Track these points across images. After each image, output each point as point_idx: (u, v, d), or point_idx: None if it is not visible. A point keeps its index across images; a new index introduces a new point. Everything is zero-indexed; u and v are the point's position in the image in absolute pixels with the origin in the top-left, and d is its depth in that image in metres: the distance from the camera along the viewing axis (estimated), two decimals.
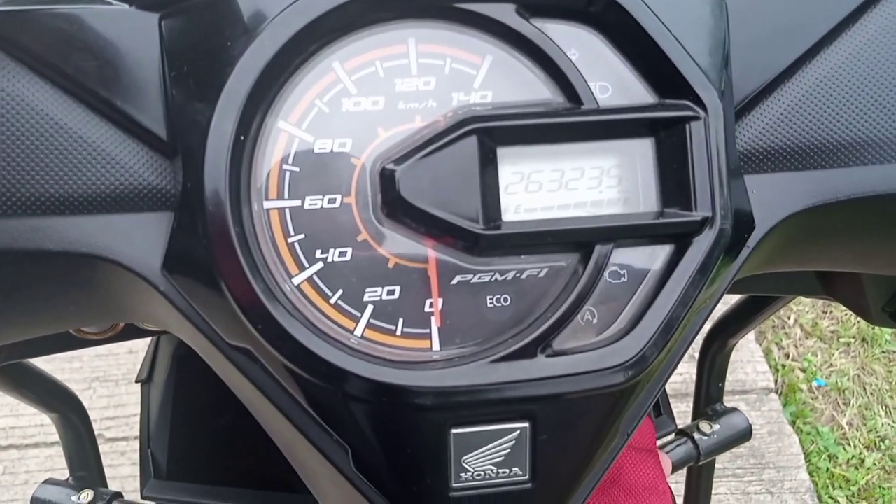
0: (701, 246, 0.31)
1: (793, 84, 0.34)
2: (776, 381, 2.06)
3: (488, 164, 0.30)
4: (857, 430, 2.02)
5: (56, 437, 1.93)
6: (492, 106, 0.31)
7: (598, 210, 0.31)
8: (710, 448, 0.80)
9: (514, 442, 0.31)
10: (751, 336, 2.12)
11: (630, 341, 0.30)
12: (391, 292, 0.31)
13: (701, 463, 0.79)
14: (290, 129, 0.31)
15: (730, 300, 0.79)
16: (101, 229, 0.30)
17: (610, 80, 0.32)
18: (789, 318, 2.20)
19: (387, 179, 0.30)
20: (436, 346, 0.31)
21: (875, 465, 1.95)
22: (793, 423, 1.97)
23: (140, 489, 0.70)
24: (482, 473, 0.31)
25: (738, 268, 0.33)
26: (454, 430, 0.30)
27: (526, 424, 0.31)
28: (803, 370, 2.11)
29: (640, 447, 0.52)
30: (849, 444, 1.99)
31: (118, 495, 0.72)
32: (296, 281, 0.30)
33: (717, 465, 1.94)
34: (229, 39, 0.29)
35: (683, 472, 0.94)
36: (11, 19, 0.29)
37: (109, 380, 1.96)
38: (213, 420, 0.73)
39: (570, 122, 0.31)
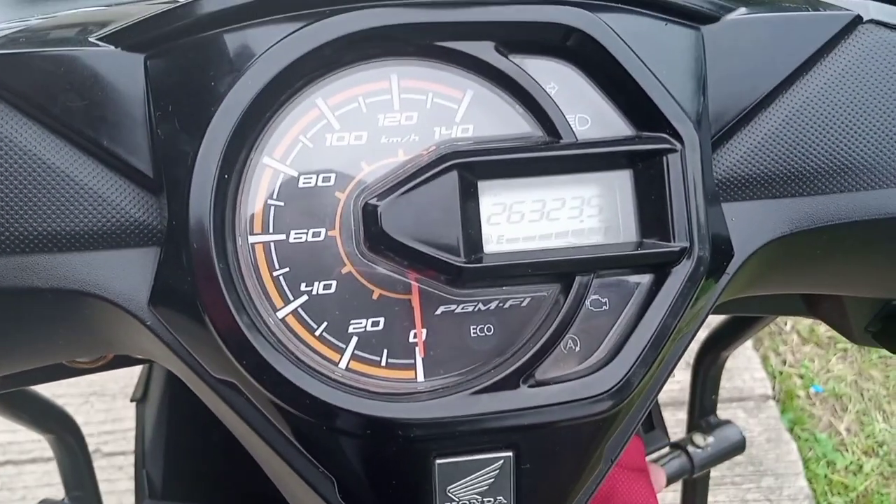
0: (679, 275, 0.31)
1: (769, 114, 0.34)
2: (774, 388, 2.06)
3: (469, 198, 0.31)
4: (855, 436, 2.02)
5: (52, 453, 1.92)
6: (473, 140, 0.32)
7: (580, 239, 0.32)
8: (704, 461, 0.80)
9: (498, 471, 0.31)
10: (748, 343, 2.13)
11: (612, 370, 0.31)
12: (375, 323, 0.31)
13: (695, 476, 0.80)
14: (275, 165, 0.31)
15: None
16: (89, 266, 0.30)
17: (588, 112, 0.33)
18: (786, 324, 2.21)
19: (369, 215, 0.30)
20: (420, 376, 0.31)
21: (873, 470, 1.95)
22: (791, 430, 1.98)
23: None
24: (467, 503, 0.31)
25: (719, 293, 0.33)
26: (438, 461, 0.31)
27: (510, 454, 0.31)
28: (801, 376, 2.12)
29: (631, 467, 0.53)
30: (847, 451, 1.99)
31: None
32: (280, 314, 0.31)
33: (715, 474, 1.95)
34: (214, 79, 0.30)
35: (679, 485, 0.94)
36: (1, 61, 0.29)
37: (106, 394, 1.96)
38: (207, 438, 0.73)
39: (549, 157, 0.31)
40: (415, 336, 0.31)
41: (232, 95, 0.29)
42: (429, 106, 0.32)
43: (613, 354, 0.31)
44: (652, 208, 0.32)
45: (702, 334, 0.89)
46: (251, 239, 0.31)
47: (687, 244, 0.31)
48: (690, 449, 0.82)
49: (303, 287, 0.31)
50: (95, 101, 0.30)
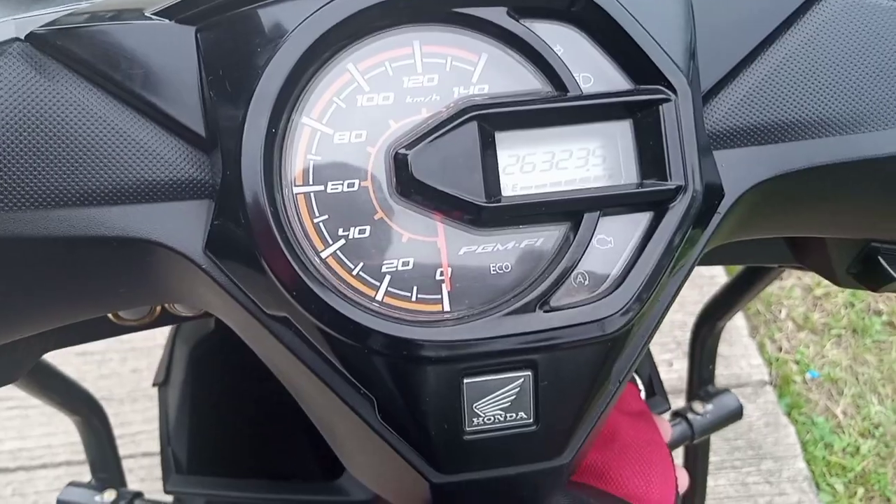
0: (677, 211, 0.35)
1: (752, 69, 0.38)
2: (770, 374, 2.10)
3: (488, 147, 0.35)
4: (852, 419, 2.06)
5: (63, 457, 1.95)
6: (489, 96, 0.36)
7: (586, 185, 0.36)
8: (704, 427, 0.83)
9: (518, 389, 0.35)
10: (744, 331, 2.17)
11: (619, 295, 0.34)
12: (406, 263, 0.35)
13: (696, 441, 0.83)
14: (313, 124, 0.35)
15: (717, 283, 0.83)
16: (148, 216, 0.34)
17: (591, 71, 0.36)
18: (781, 312, 2.25)
19: (400, 163, 0.34)
20: (447, 307, 0.35)
21: (870, 452, 1.99)
22: (788, 414, 2.01)
23: (163, 485, 0.73)
24: (492, 418, 0.35)
25: (712, 232, 0.37)
26: (466, 380, 0.34)
27: (529, 373, 0.35)
28: (797, 362, 2.16)
29: (631, 411, 0.56)
30: (844, 433, 2.03)
31: (139, 494, 0.75)
32: (323, 255, 0.34)
33: (715, 458, 1.98)
34: (259, 47, 0.33)
35: (680, 452, 0.97)
36: (67, 35, 0.33)
37: (114, 398, 1.99)
38: (231, 416, 0.77)
39: (558, 107, 0.35)
40: (441, 274, 0.35)
41: (275, 62, 0.33)
42: (448, 68, 0.36)
43: (619, 283, 0.35)
44: (650, 154, 0.36)
45: (697, 307, 0.93)
46: (295, 190, 0.34)
47: (682, 183, 0.35)
48: (690, 416, 0.85)
49: (340, 232, 0.35)
50: (152, 70, 0.34)
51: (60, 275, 0.35)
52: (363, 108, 0.35)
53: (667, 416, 0.83)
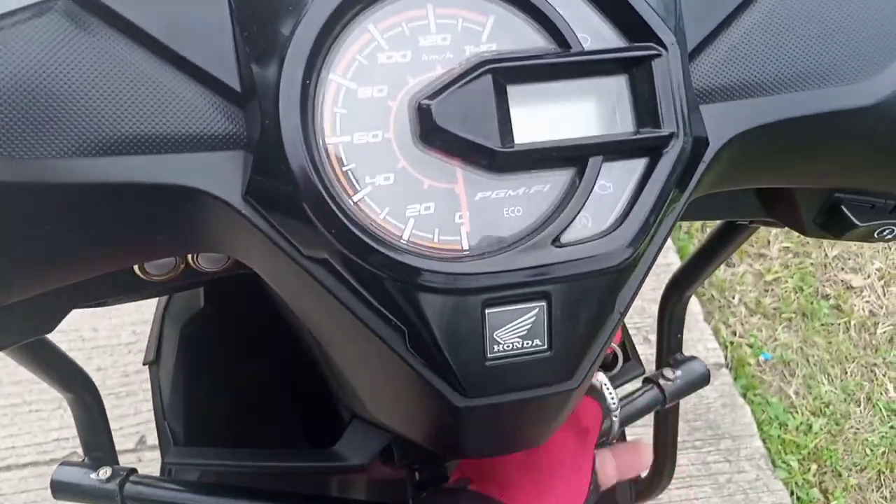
0: (670, 156, 0.39)
1: (732, 29, 0.42)
2: (726, 357, 2.18)
3: (501, 98, 0.38)
4: (804, 399, 2.15)
5: (29, 458, 1.91)
6: (499, 52, 0.39)
7: (589, 133, 0.39)
8: (675, 392, 0.88)
9: (534, 318, 0.38)
10: (700, 317, 2.24)
11: (621, 231, 0.38)
12: (427, 208, 0.38)
13: (667, 406, 0.88)
14: (339, 80, 0.38)
15: (672, 269, 0.87)
16: (189, 165, 0.36)
17: (588, 32, 0.40)
18: (734, 297, 2.33)
19: (424, 112, 0.37)
20: (465, 246, 0.38)
21: (822, 429, 2.08)
22: (744, 395, 2.09)
23: (161, 457, 0.74)
24: (510, 345, 0.38)
25: (699, 179, 0.41)
26: (488, 310, 0.38)
27: (543, 303, 0.38)
28: (750, 346, 2.24)
29: (580, 428, 0.60)
30: (797, 412, 2.11)
31: (133, 471, 0.77)
32: (353, 200, 0.37)
33: (677, 439, 2.03)
34: (290, 6, 0.36)
35: (651, 420, 1.02)
36: None
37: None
38: (225, 390, 0.78)
39: (564, 62, 0.39)
40: (460, 217, 0.38)
41: (306, 20, 0.36)
42: (459, 29, 0.39)
43: (622, 221, 0.39)
44: (645, 105, 0.39)
45: (655, 294, 0.97)
46: (325, 140, 0.37)
47: (674, 130, 0.39)
48: (661, 382, 0.89)
49: (367, 179, 0.38)
50: (190, 28, 0.36)
51: (104, 221, 0.37)
52: (383, 65, 0.38)
53: (640, 383, 0.87)
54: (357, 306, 0.38)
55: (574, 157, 0.39)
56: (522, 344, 0.38)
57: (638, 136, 0.39)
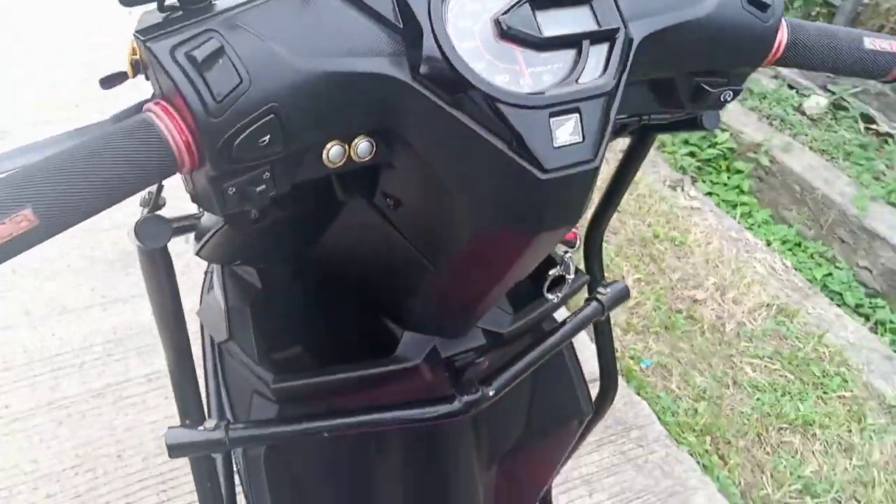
0: (620, 41, 0.72)
1: None
2: (617, 367, 2.53)
3: (535, 14, 0.70)
4: (685, 390, 2.53)
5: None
6: None
7: (583, 29, 0.72)
8: (609, 303, 1.19)
9: (574, 123, 0.67)
10: (588, 342, 2.60)
11: (607, 74, 0.70)
12: (504, 80, 0.69)
13: (604, 316, 1.18)
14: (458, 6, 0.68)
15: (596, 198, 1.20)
16: (382, 63, 0.65)
17: None
18: (613, 322, 2.72)
19: (502, 21, 0.68)
20: (534, 90, 0.69)
21: (705, 411, 2.45)
22: (638, 394, 2.44)
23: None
24: (564, 138, 0.67)
25: (632, 57, 0.75)
26: (552, 119, 0.67)
27: (577, 115, 0.68)
28: (632, 357, 2.61)
29: None
30: (682, 401, 2.48)
31: (230, 421, 0.96)
32: (476, 71, 0.68)
33: (594, 438, 2.33)
34: None
35: (591, 333, 1.32)
36: None
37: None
38: (304, 335, 0.99)
39: None
40: (524, 76, 0.69)
41: None
42: None
43: (605, 70, 0.71)
44: (605, 18, 0.73)
45: (584, 221, 1.30)
46: (453, 43, 0.67)
47: (620, 26, 0.72)
48: (598, 297, 1.20)
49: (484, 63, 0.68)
50: None
51: (341, 103, 0.65)
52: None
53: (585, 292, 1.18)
54: (481, 129, 0.66)
55: (575, 41, 0.72)
56: (569, 138, 0.69)
57: (602, 29, 0.73)
